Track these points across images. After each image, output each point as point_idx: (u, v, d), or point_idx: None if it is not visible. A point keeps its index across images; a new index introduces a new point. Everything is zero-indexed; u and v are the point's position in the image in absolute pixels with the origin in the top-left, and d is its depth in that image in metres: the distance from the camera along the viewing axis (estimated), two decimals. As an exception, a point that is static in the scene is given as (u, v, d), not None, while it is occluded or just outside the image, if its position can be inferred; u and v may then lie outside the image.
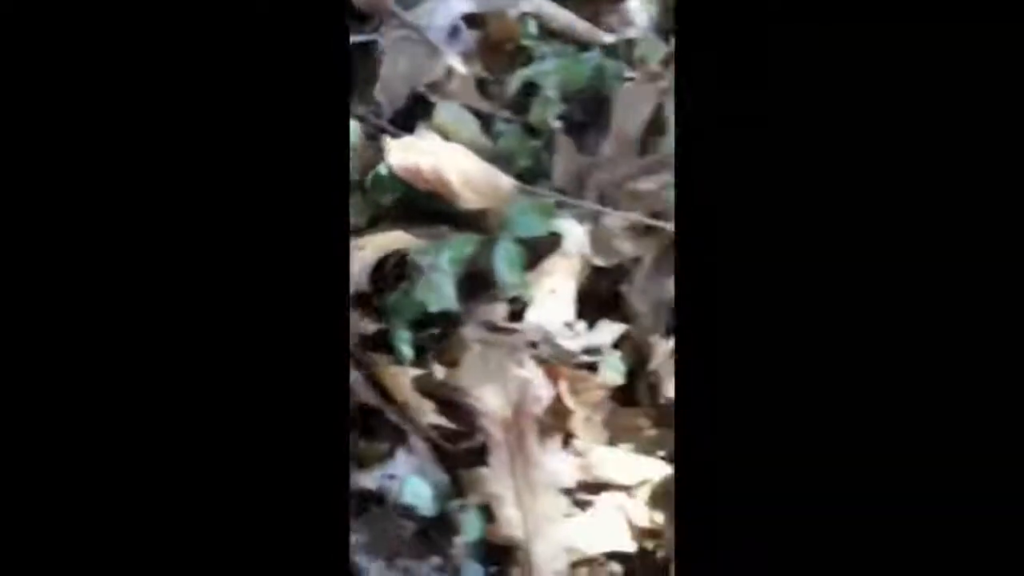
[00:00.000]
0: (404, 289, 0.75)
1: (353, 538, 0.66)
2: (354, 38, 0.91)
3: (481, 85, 0.91)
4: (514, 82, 0.87)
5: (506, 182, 0.81)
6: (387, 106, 0.87)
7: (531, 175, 0.84)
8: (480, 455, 0.70)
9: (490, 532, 0.68)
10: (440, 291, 0.73)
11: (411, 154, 0.81)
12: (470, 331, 0.73)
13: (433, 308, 0.73)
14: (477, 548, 0.67)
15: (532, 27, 0.92)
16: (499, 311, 0.75)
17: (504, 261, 0.76)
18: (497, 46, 0.93)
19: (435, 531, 0.67)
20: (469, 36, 0.93)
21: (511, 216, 0.78)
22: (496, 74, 0.92)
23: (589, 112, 0.87)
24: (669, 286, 0.77)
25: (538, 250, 0.78)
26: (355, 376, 0.72)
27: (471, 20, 0.94)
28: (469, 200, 0.79)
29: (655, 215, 0.80)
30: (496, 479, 0.68)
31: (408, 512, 0.67)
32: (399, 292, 0.75)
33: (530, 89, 0.87)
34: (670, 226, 0.77)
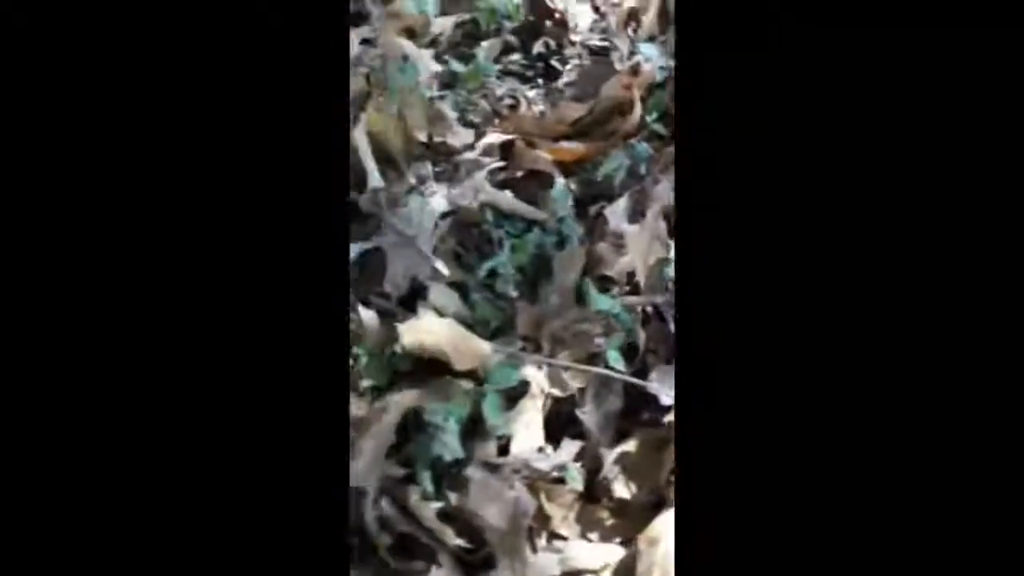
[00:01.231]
0: (423, 441, 0.88)
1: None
2: (363, 245, 1.10)
3: (459, 261, 1.08)
4: (483, 270, 1.02)
5: (485, 346, 0.95)
6: (394, 293, 1.03)
7: (501, 331, 1.00)
8: (489, 561, 0.81)
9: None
10: (450, 445, 0.87)
11: (416, 334, 0.95)
12: (472, 468, 0.87)
13: (448, 457, 0.87)
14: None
15: (488, 214, 1.09)
16: (490, 449, 0.89)
17: (491, 409, 0.90)
18: (468, 228, 1.10)
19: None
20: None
21: (492, 373, 0.93)
22: (468, 251, 1.09)
23: (538, 275, 1.03)
24: (613, 405, 0.93)
25: (512, 394, 0.92)
26: (391, 509, 0.85)
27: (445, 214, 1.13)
28: (461, 363, 0.93)
29: (591, 355, 0.95)
30: (502, 577, 0.81)
31: (444, 612, 0.80)
32: (419, 443, 0.88)
33: (494, 271, 1.03)
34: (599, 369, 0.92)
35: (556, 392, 0.92)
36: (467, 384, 0.94)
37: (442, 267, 1.00)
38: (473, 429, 0.90)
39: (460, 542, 0.82)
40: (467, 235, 1.10)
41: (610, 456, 0.86)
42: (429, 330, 0.96)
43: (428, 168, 1.16)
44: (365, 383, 0.96)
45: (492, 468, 0.86)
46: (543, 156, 1.11)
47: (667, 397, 0.86)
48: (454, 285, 1.04)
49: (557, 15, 1.34)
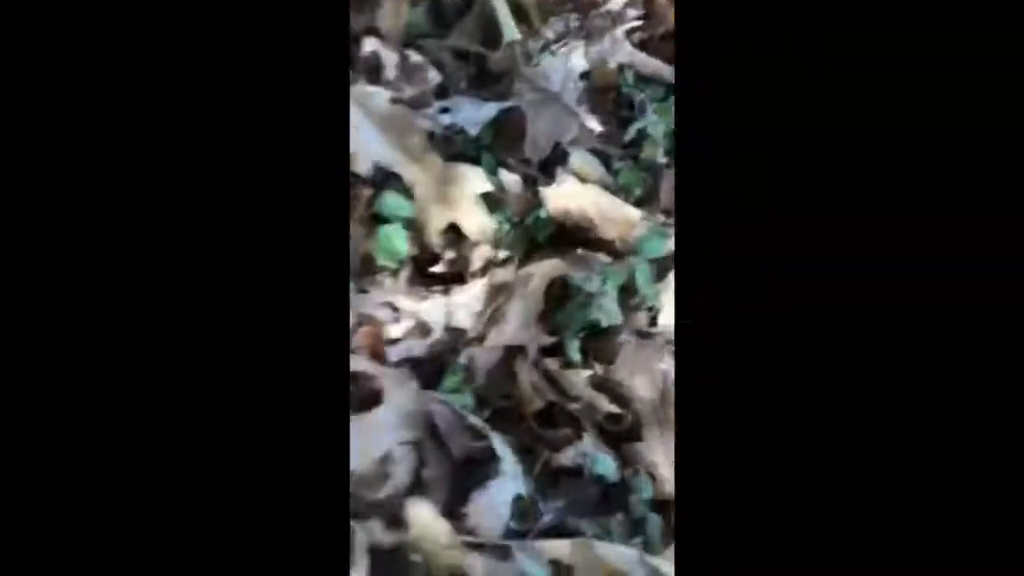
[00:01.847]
0: (572, 308, 0.84)
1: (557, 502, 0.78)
2: (500, 105, 1.02)
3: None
4: (630, 132, 0.96)
5: (632, 213, 0.90)
6: (534, 157, 0.96)
7: (644, 201, 0.94)
8: (637, 431, 0.79)
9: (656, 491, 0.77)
10: (608, 310, 0.84)
11: (561, 199, 0.91)
12: (623, 337, 0.83)
13: (604, 323, 0.83)
14: (649, 503, 0.76)
15: (629, 76, 1.01)
16: (642, 319, 0.85)
17: (643, 279, 0.86)
18: (603, 93, 1.03)
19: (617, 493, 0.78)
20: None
21: (640, 242, 0.88)
22: (606, 116, 1.01)
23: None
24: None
25: (661, 266, 0.88)
26: (537, 378, 0.82)
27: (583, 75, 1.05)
28: (606, 231, 0.89)
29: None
30: (650, 449, 0.78)
31: (598, 480, 0.78)
32: (568, 310, 0.84)
33: (640, 134, 0.96)
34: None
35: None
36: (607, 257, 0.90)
37: (594, 123, 0.94)
38: (624, 298, 0.86)
39: (612, 408, 0.80)
40: (603, 98, 1.04)
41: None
42: (573, 193, 0.91)
43: (567, 23, 1.09)
44: (504, 253, 0.94)
45: (644, 336, 0.83)
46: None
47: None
48: (596, 152, 0.98)
49: None
